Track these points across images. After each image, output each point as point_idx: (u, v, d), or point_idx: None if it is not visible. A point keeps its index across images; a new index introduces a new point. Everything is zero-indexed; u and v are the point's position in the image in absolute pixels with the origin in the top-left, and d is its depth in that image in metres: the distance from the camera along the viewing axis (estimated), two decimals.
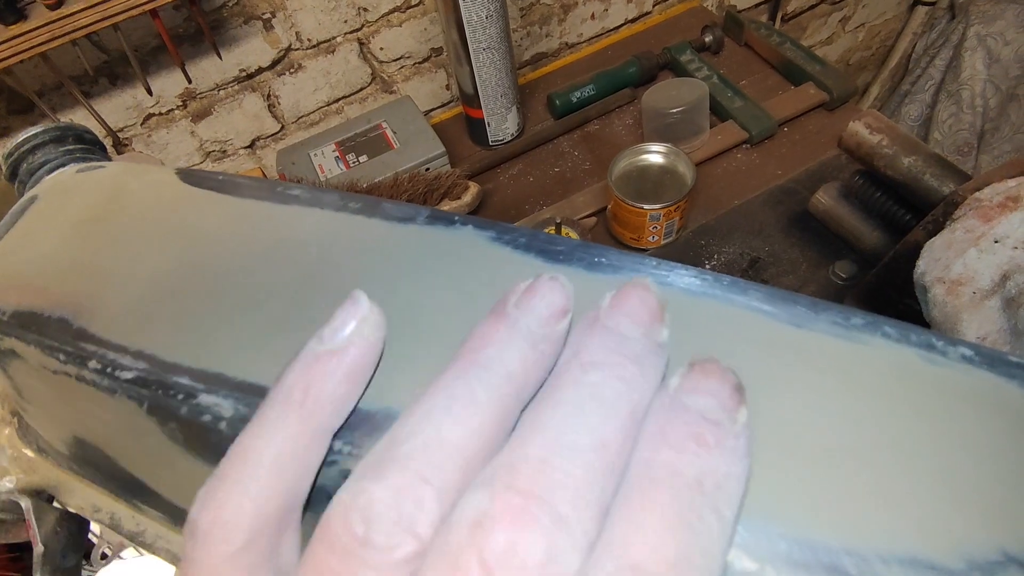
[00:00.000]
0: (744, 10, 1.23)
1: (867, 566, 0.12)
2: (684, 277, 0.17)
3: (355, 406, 0.15)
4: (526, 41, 1.04)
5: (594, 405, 0.13)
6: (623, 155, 0.68)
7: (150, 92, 0.74)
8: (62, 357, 0.19)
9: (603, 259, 0.18)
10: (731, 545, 0.13)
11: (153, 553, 0.24)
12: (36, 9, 0.62)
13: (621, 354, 0.13)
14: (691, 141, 0.77)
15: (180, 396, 0.17)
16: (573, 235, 0.68)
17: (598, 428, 0.12)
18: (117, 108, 0.79)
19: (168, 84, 0.80)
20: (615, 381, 0.13)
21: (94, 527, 0.31)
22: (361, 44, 0.90)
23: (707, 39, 0.89)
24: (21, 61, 0.64)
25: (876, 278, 0.51)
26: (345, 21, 0.87)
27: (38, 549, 0.25)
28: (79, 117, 0.77)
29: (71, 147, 0.29)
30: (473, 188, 0.73)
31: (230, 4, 0.78)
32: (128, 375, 0.18)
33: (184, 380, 0.17)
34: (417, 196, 0.69)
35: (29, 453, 0.27)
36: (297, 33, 0.85)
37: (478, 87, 0.75)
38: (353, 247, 0.20)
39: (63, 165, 0.29)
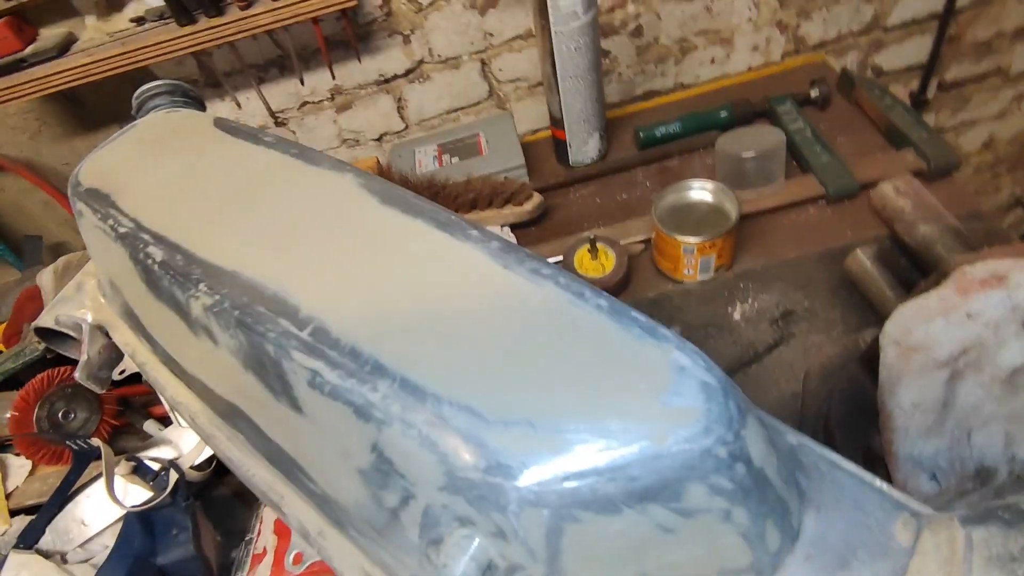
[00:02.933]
0: (890, 72, 1.17)
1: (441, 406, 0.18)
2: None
3: None
4: (639, 78, 1.09)
5: None
6: (673, 188, 0.71)
7: (302, 83, 0.92)
8: (98, 216, 0.30)
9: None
10: None
11: (143, 372, 0.35)
12: (231, 8, 0.82)
13: None
14: (762, 188, 0.77)
15: (141, 246, 0.27)
16: (608, 252, 0.72)
17: None
18: (280, 94, 0.99)
19: (321, 80, 0.98)
20: None
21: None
22: (483, 64, 1.02)
23: (813, 93, 0.88)
24: (217, 47, 0.85)
25: (875, 343, 0.49)
26: (472, 43, 0.99)
27: (83, 358, 0.37)
28: (252, 97, 0.97)
29: (177, 98, 0.42)
30: (536, 199, 0.80)
31: (379, 19, 0.94)
32: (122, 230, 0.28)
33: (145, 235, 0.27)
34: (483, 196, 0.78)
35: (100, 299, 0.40)
36: (430, 49, 0.99)
37: (563, 111, 0.83)
38: (275, 177, 0.28)
39: (164, 109, 0.42)
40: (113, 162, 0.34)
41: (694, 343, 0.19)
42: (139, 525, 0.53)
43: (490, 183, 0.79)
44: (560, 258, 0.75)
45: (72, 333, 0.38)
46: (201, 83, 0.96)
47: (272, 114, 0.98)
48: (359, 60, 0.94)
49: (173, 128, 0.35)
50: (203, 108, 0.45)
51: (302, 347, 0.21)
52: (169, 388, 0.34)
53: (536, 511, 0.17)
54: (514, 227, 0.82)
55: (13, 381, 0.67)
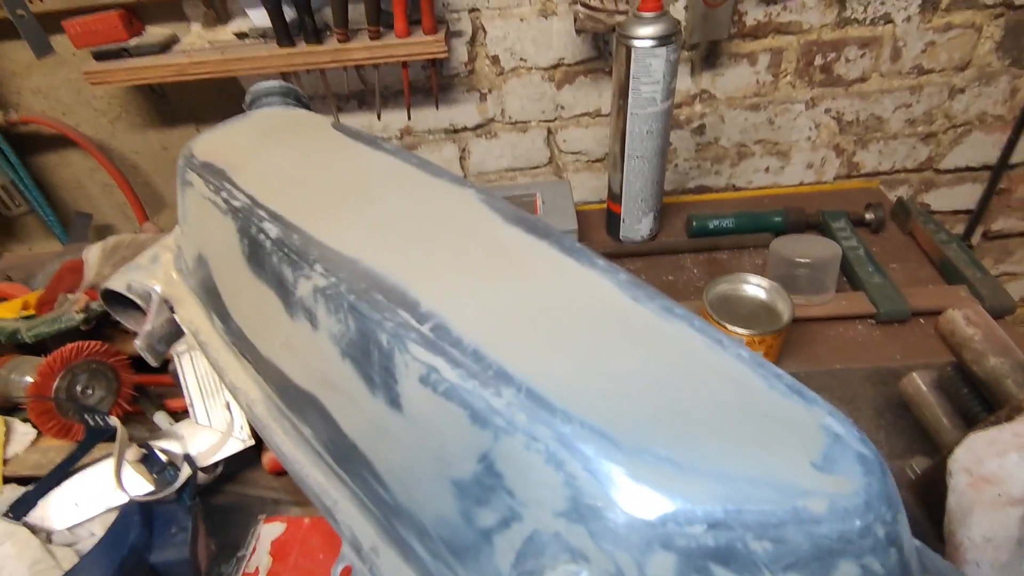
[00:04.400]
0: (938, 213, 1.19)
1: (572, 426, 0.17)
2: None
3: None
4: (694, 171, 1.12)
5: None
6: (726, 278, 0.71)
7: (379, 118, 0.95)
8: (211, 187, 0.30)
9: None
10: None
11: (204, 353, 0.34)
12: (331, 39, 0.86)
13: None
14: (813, 297, 0.77)
15: (256, 220, 0.27)
16: None
17: None
18: (355, 124, 1.02)
19: (395, 118, 1.02)
20: None
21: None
22: (550, 132, 1.06)
23: (868, 216, 0.89)
24: (307, 71, 0.89)
25: (933, 470, 0.47)
26: (543, 111, 1.04)
27: (146, 327, 0.37)
28: None
29: (290, 101, 0.44)
30: None
31: (462, 75, 0.99)
32: (236, 203, 0.29)
33: (261, 212, 0.27)
34: None
35: (174, 274, 0.40)
36: (503, 110, 1.03)
37: (623, 186, 0.85)
38: (396, 180, 0.29)
39: (277, 107, 0.43)
40: (229, 143, 0.35)
41: None
42: (139, 517, 0.50)
43: None
44: None
45: (139, 301, 0.38)
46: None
47: None
48: (436, 107, 0.98)
49: (289, 122, 0.36)
50: (307, 108, 0.46)
51: (421, 341, 0.20)
52: (229, 371, 0.33)
53: (666, 556, 0.16)
54: None
55: (40, 347, 0.66)
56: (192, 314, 0.37)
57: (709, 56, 0.98)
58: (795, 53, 0.98)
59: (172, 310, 0.39)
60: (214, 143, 0.35)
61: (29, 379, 0.62)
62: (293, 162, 0.31)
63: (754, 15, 0.94)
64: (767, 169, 1.12)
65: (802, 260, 0.75)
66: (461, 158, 1.09)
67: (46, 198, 1.06)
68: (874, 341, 0.74)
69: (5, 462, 0.65)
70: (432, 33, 0.87)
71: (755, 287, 0.71)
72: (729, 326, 0.66)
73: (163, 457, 0.56)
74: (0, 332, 0.64)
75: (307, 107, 0.45)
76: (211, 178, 0.31)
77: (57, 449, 0.62)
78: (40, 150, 1.04)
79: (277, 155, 0.32)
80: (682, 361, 0.19)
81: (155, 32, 0.91)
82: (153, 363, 0.37)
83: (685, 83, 1.01)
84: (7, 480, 0.62)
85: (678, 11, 0.93)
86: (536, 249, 0.24)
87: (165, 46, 0.89)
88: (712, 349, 0.20)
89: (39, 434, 0.66)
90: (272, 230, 0.26)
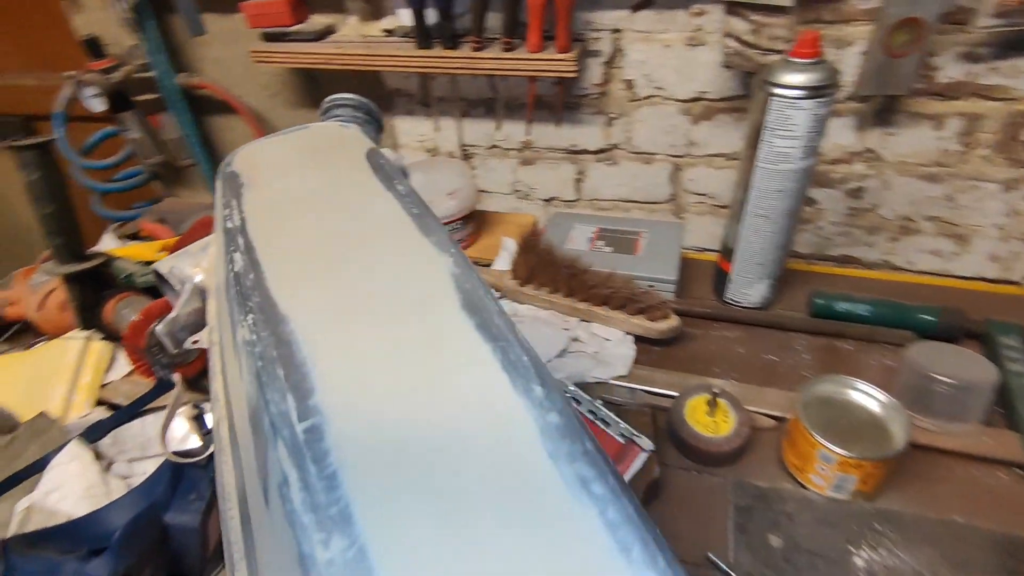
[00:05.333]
0: None
1: None
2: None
3: None
4: (841, 238, 0.98)
5: None
6: (834, 379, 0.60)
7: (497, 128, 0.94)
8: (223, 199, 0.30)
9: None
10: None
11: (210, 351, 0.34)
12: (465, 46, 0.87)
13: None
14: (948, 424, 0.62)
15: (231, 248, 0.26)
16: (729, 413, 0.62)
17: None
18: (477, 130, 1.03)
19: (517, 131, 1.01)
20: None
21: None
22: (676, 168, 0.98)
23: None
24: (437, 75, 0.90)
25: None
26: (672, 145, 0.96)
27: (171, 314, 0.38)
28: (452, 125, 1.02)
29: (359, 114, 0.43)
30: (671, 321, 0.73)
31: (591, 96, 0.94)
32: (229, 224, 0.28)
33: (240, 239, 0.26)
34: (618, 297, 0.73)
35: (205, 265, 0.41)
36: (629, 137, 0.97)
37: (738, 244, 0.75)
38: (380, 234, 0.26)
39: (341, 120, 0.43)
40: (266, 156, 0.34)
41: (794, 568, 0.12)
42: (169, 474, 0.53)
43: (631, 288, 0.74)
44: (674, 394, 0.67)
45: (176, 286, 0.39)
46: (416, 99, 1.03)
47: (461, 145, 1.02)
48: (557, 125, 0.95)
49: (333, 142, 0.35)
50: (379, 128, 0.45)
51: (290, 442, 0.17)
52: (216, 379, 0.32)
53: None
54: (638, 338, 0.76)
55: (154, 291, 0.74)
56: (214, 312, 0.37)
57: (882, 112, 0.84)
58: (997, 123, 0.80)
59: (204, 301, 0.40)
60: (255, 153, 0.35)
61: (133, 318, 0.70)
62: (306, 191, 0.30)
63: (949, 72, 0.78)
64: (936, 252, 0.94)
65: (944, 379, 0.61)
66: (577, 179, 1.04)
67: (209, 155, 1.19)
68: (1017, 498, 0.58)
69: (103, 386, 0.73)
70: (565, 51, 0.83)
71: (868, 397, 0.59)
72: (819, 438, 0.55)
73: (209, 424, 0.59)
74: (119, 271, 0.72)
75: (378, 121, 0.44)
76: (228, 190, 0.30)
77: (147, 386, 0.68)
78: (210, 113, 1.17)
79: (296, 180, 0.31)
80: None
81: (316, 20, 0.98)
82: (170, 349, 0.39)
83: (847, 137, 0.88)
84: (100, 403, 0.70)
85: (851, 56, 0.80)
86: (474, 357, 0.20)
87: (322, 35, 0.95)
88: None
89: (133, 369, 0.73)
90: (238, 262, 0.25)
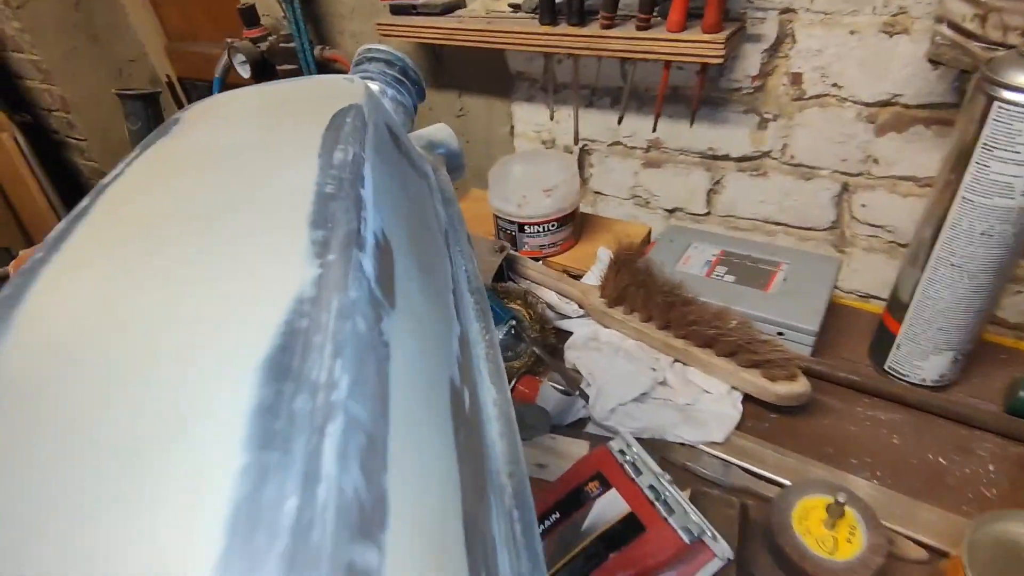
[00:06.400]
0: None
1: None
2: None
3: None
4: None
5: None
6: (1012, 514, 0.40)
7: (619, 122, 0.81)
8: (149, 143, 0.23)
9: None
10: None
11: None
12: (594, 24, 0.75)
13: None
14: None
15: (93, 194, 0.18)
16: (858, 529, 0.45)
17: None
18: (597, 123, 0.90)
19: (645, 126, 0.87)
20: None
21: None
22: (844, 189, 0.78)
23: None
24: (566, 55, 0.80)
25: None
26: (844, 160, 0.76)
27: None
28: (564, 116, 0.91)
29: (389, 71, 0.34)
30: (798, 384, 0.56)
31: (743, 91, 0.78)
32: (112, 173, 0.20)
33: (89, 200, 0.18)
34: (728, 341, 0.57)
35: None
36: (785, 145, 0.79)
37: (914, 299, 0.55)
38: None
39: (370, 78, 0.34)
40: (227, 104, 0.27)
41: None
42: None
43: (749, 332, 0.58)
44: (785, 482, 0.51)
45: None
46: (539, 84, 0.93)
47: (577, 139, 0.91)
48: (691, 124, 0.79)
49: (317, 96, 0.27)
50: (418, 93, 0.36)
51: None
52: None
53: None
54: (748, 398, 0.59)
55: None
56: None
57: None
58: None
59: None
60: (220, 100, 0.27)
61: None
62: (220, 147, 0.22)
63: None
64: None
65: None
66: (711, 191, 0.88)
67: None
68: None
69: None
70: (714, 32, 0.68)
71: None
72: None
73: None
74: None
75: (414, 84, 0.35)
76: (163, 130, 0.23)
77: None
78: None
79: (224, 134, 0.23)
80: None
81: None
82: None
83: None
84: None
85: None
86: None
87: (447, 9, 0.90)
88: None
89: None
90: (61, 225, 0.17)
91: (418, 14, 0.90)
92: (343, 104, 0.25)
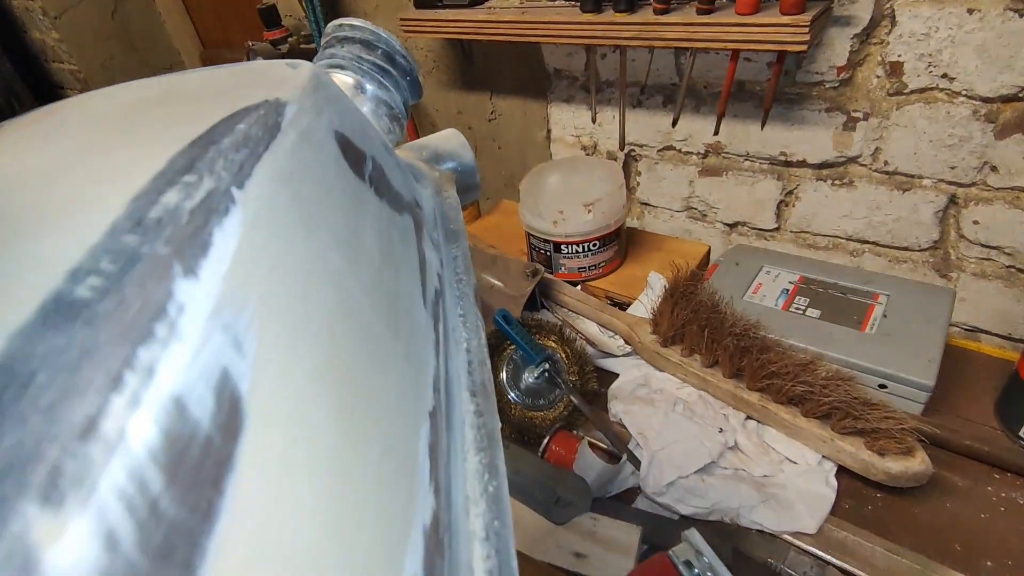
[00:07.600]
0: None
1: None
2: None
3: None
4: None
5: None
6: None
7: (674, 124, 0.69)
8: None
9: None
10: None
11: None
12: (645, 10, 0.64)
13: None
14: None
15: None
16: None
17: None
18: (646, 125, 0.79)
19: (703, 129, 0.74)
20: None
21: None
22: (951, 202, 0.64)
23: None
24: (611, 48, 0.69)
25: None
26: (953, 167, 0.62)
27: None
28: (608, 118, 0.79)
29: (367, 56, 0.24)
30: (917, 461, 0.43)
31: (826, 85, 0.65)
32: None
33: None
34: (820, 401, 0.45)
35: None
36: (877, 149, 0.66)
37: None
38: None
39: (340, 66, 0.24)
40: (98, 101, 0.17)
41: None
42: None
43: (848, 389, 0.45)
44: None
45: None
46: (579, 82, 0.82)
47: (623, 143, 0.79)
48: (762, 125, 0.67)
49: (234, 87, 0.17)
50: (411, 91, 0.26)
51: None
52: None
53: None
54: (844, 470, 0.46)
55: None
56: None
57: None
58: None
59: None
60: (83, 101, 0.17)
61: None
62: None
63: None
64: None
65: None
66: (781, 203, 0.75)
67: None
68: None
69: None
70: (794, 12, 0.56)
71: None
72: None
73: None
74: None
75: (409, 75, 0.25)
76: None
77: None
78: None
79: (15, 158, 0.13)
80: None
81: None
82: None
83: None
84: None
85: None
86: None
87: (476, 0, 0.80)
88: None
89: None
90: None
91: (444, 7, 0.81)
92: (254, 101, 0.15)
